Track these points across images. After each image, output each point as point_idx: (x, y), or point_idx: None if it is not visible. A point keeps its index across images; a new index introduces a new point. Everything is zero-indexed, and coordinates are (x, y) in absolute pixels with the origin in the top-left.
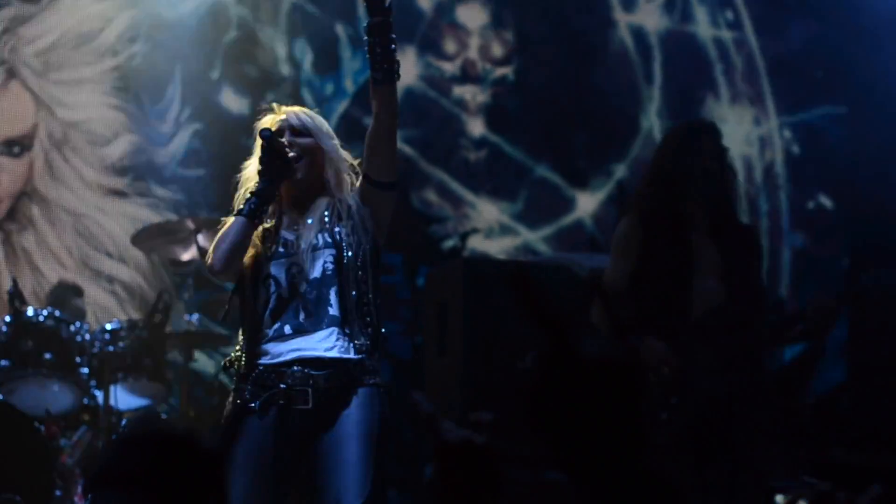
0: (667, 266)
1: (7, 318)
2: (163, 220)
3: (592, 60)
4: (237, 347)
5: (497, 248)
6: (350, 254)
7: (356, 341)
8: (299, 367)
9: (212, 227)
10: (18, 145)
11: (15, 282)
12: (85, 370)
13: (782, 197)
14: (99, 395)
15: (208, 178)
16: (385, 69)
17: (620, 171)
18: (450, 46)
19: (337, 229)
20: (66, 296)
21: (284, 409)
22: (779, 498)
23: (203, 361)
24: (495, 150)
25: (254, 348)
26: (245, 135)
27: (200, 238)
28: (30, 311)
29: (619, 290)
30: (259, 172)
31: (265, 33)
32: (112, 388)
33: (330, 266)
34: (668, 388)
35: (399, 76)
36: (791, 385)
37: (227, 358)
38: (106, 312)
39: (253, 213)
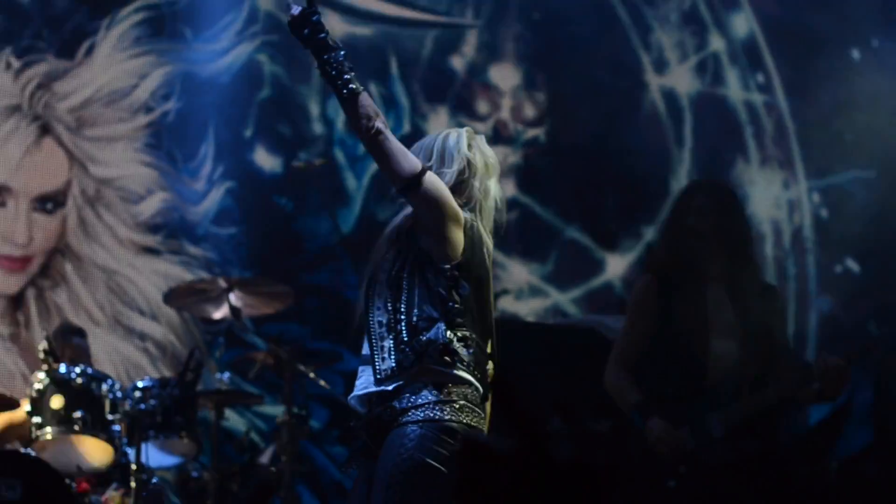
0: (681, 327)
1: (40, 375)
2: (195, 279)
3: (624, 122)
4: None
5: (527, 309)
6: (383, 276)
7: (379, 368)
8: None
9: (244, 286)
10: (52, 202)
11: (48, 338)
12: (116, 427)
13: (810, 261)
14: (130, 452)
15: (241, 236)
16: (334, 90)
17: (650, 233)
18: (482, 107)
19: (369, 275)
20: (66, 337)
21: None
22: None
23: (234, 420)
24: (526, 211)
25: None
26: (277, 193)
27: (232, 297)
28: (62, 369)
29: (631, 352)
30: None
31: (298, 91)
32: (143, 445)
33: (364, 301)
34: (677, 457)
35: (348, 93)
36: (816, 448)
37: None
38: (138, 370)
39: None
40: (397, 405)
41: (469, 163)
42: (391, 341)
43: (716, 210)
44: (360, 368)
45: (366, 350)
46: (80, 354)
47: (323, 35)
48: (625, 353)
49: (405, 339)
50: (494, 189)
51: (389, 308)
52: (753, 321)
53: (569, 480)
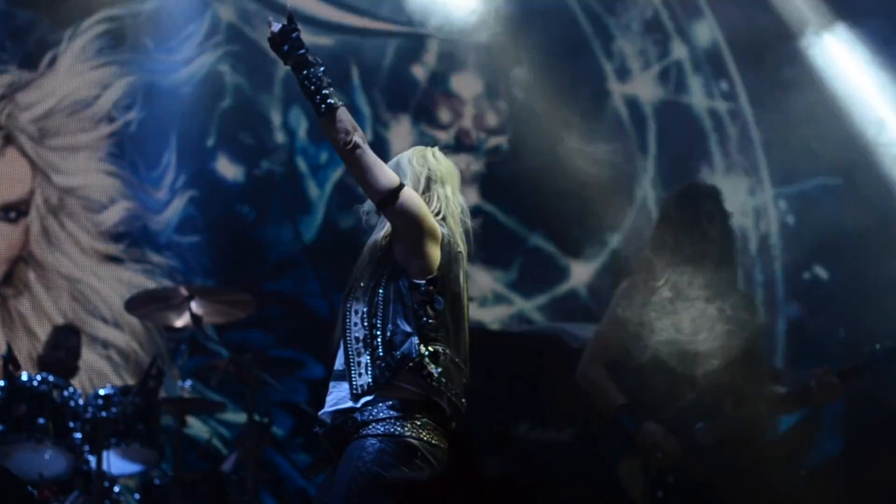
0: (664, 333)
1: (1, 383)
2: (157, 287)
3: (586, 130)
4: None
5: (491, 316)
6: (359, 292)
7: (356, 384)
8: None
9: (205, 294)
10: (14, 210)
11: (9, 346)
12: (78, 435)
13: (777, 268)
14: (92, 460)
15: (203, 244)
16: (313, 105)
17: (615, 240)
18: (444, 115)
19: (347, 291)
20: (68, 337)
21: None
22: None
23: (197, 427)
24: (489, 219)
25: None
26: (239, 201)
27: (194, 305)
28: (24, 376)
29: (609, 351)
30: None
31: (260, 101)
32: (105, 453)
33: (341, 316)
34: (664, 467)
35: (326, 108)
36: (786, 455)
37: None
38: (100, 377)
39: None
40: (359, 417)
41: (430, 172)
42: (367, 357)
43: (721, 216)
44: (332, 384)
45: (339, 365)
46: (74, 354)
47: (303, 51)
48: (602, 350)
49: (381, 354)
50: (456, 198)
51: (366, 324)
52: (735, 331)
53: (496, 495)
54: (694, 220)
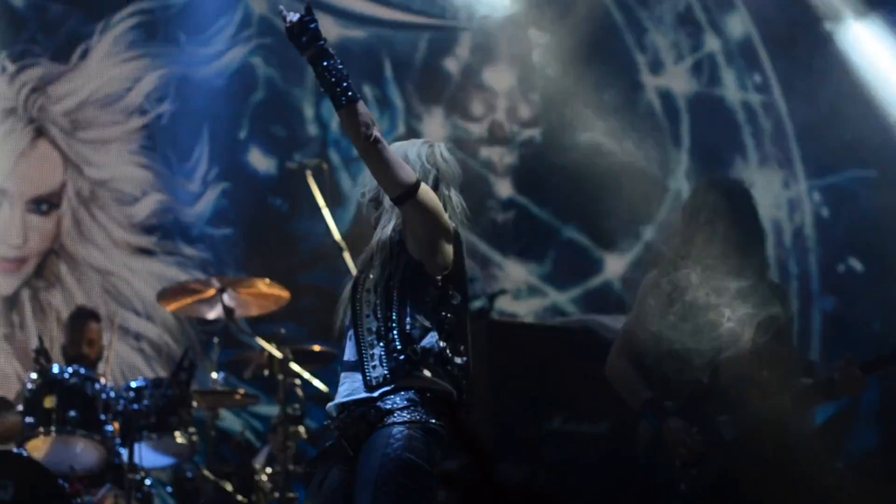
0: (691, 325)
1: (33, 376)
2: (189, 279)
3: (620, 123)
4: None
5: (525, 309)
6: (370, 284)
7: (370, 375)
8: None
9: (238, 286)
10: (46, 203)
11: (41, 339)
12: (110, 428)
13: (812, 260)
14: (123, 452)
15: (235, 237)
16: (332, 97)
17: (648, 233)
18: (477, 108)
19: (359, 283)
20: (83, 321)
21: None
22: None
23: (229, 420)
24: (523, 212)
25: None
26: (272, 194)
27: (226, 297)
28: (55, 369)
29: (637, 345)
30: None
31: (292, 94)
32: (136, 445)
33: (351, 308)
34: (687, 460)
35: (347, 100)
36: (822, 448)
37: None
38: (132, 370)
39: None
40: (382, 406)
41: (439, 172)
42: (381, 349)
43: (729, 208)
44: (343, 375)
45: (350, 356)
46: (97, 338)
47: (321, 42)
48: (631, 344)
49: (398, 346)
50: (459, 199)
51: (379, 316)
52: (764, 322)
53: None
54: (701, 213)
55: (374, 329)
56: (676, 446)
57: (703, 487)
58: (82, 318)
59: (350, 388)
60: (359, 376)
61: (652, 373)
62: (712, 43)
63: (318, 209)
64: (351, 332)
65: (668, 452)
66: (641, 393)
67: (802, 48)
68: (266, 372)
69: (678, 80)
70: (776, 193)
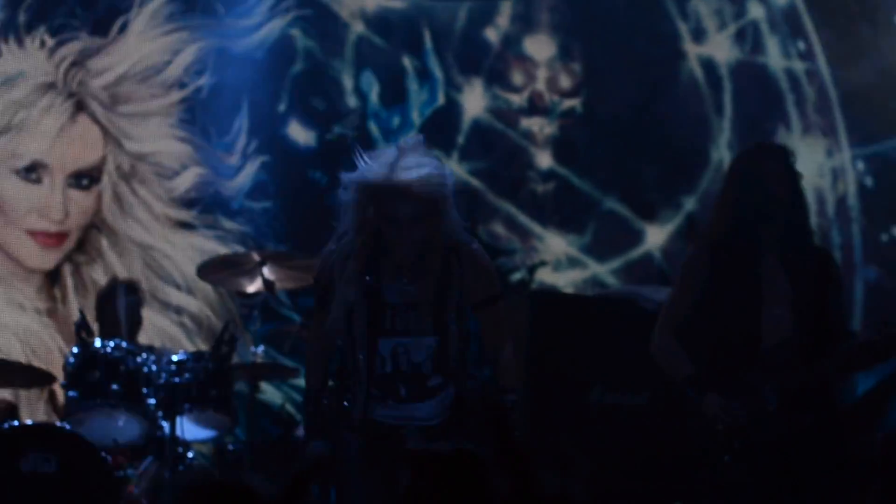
0: (734, 295)
1: (75, 350)
2: (229, 252)
3: (661, 92)
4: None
5: (565, 280)
6: (450, 339)
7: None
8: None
9: (278, 259)
10: (87, 177)
11: (82, 313)
12: (152, 401)
13: (855, 230)
14: (165, 425)
15: (275, 210)
16: None
17: (690, 203)
18: (517, 78)
19: (443, 315)
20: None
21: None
22: None
23: (270, 393)
24: (563, 183)
25: (362, 404)
26: (312, 167)
27: (266, 270)
28: (97, 343)
29: (681, 320)
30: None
31: (332, 65)
32: (178, 419)
33: (430, 353)
34: (731, 432)
35: None
36: (863, 419)
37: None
38: (174, 343)
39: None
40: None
41: None
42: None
43: (789, 175)
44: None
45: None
46: (134, 312)
47: None
48: (674, 320)
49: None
50: None
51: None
52: (807, 289)
53: None
54: (758, 181)
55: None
56: (715, 420)
57: (746, 459)
58: (113, 293)
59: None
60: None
61: (695, 347)
62: (756, 10)
63: None
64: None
65: (707, 426)
66: (683, 368)
67: (847, 15)
68: (306, 345)
69: (721, 49)
70: (819, 162)
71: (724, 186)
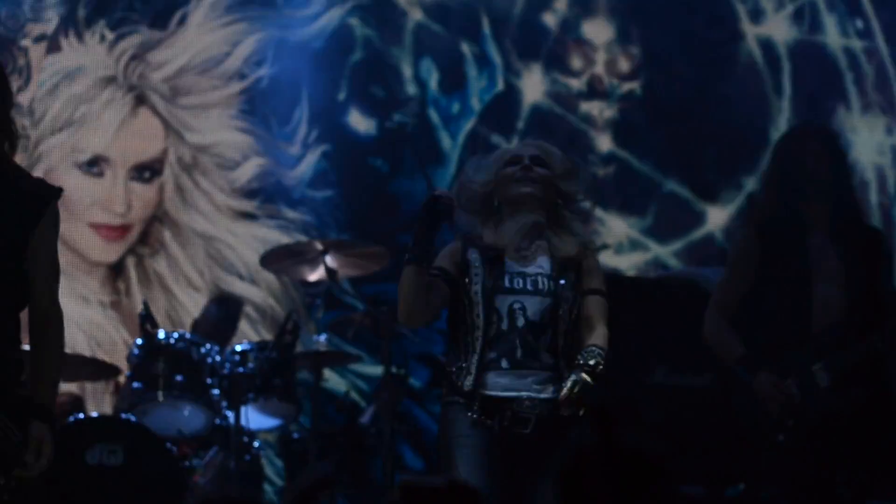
0: (785, 274)
1: (139, 341)
2: (292, 242)
3: (720, 73)
4: (460, 363)
5: (627, 263)
6: (565, 307)
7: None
8: (524, 398)
9: (340, 247)
10: (149, 170)
11: (146, 305)
12: (216, 391)
13: None
14: (230, 415)
15: (337, 198)
16: None
17: (751, 183)
18: (576, 62)
19: (562, 281)
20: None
21: (508, 429)
22: None
23: (333, 381)
24: (623, 166)
25: (473, 371)
26: (372, 155)
27: (329, 259)
28: (161, 334)
29: (732, 302)
30: (421, 221)
31: (390, 53)
32: (243, 408)
33: (547, 314)
34: (784, 411)
35: None
36: None
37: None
38: (238, 334)
39: (419, 259)
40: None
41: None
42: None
43: (830, 154)
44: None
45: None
46: (232, 322)
47: None
48: (725, 302)
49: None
50: None
51: (568, 341)
52: (858, 267)
53: (634, 467)
54: (798, 161)
55: (563, 349)
56: (767, 400)
57: (800, 437)
58: (226, 302)
59: (540, 386)
60: (548, 381)
61: (749, 326)
62: None
63: (418, 169)
64: (544, 337)
65: (760, 407)
66: (734, 350)
67: None
68: (369, 332)
69: (779, 28)
70: (879, 140)
71: (768, 168)
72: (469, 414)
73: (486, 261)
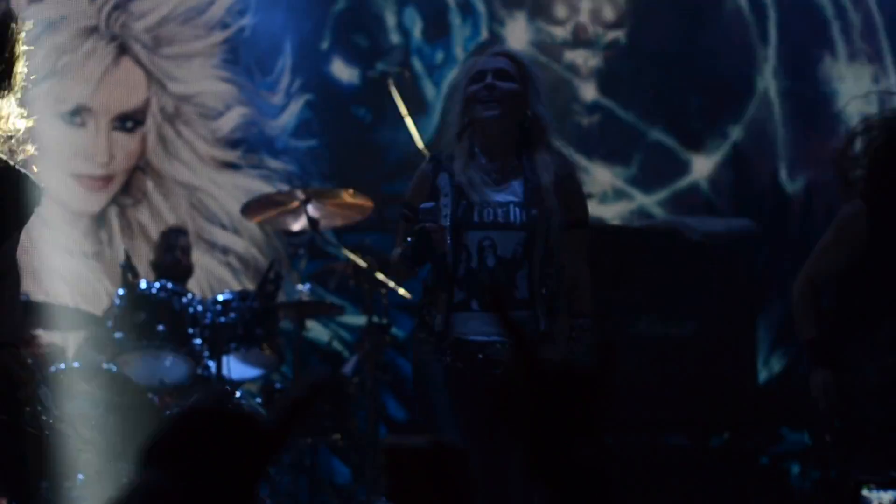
0: (887, 263)
1: (120, 292)
2: (273, 191)
3: (706, 21)
4: (431, 301)
5: (612, 212)
6: (540, 241)
7: (538, 326)
8: (496, 342)
9: (322, 196)
10: (131, 120)
11: (128, 255)
12: (198, 341)
13: None
14: (212, 365)
15: (320, 148)
16: None
17: (736, 132)
18: (560, 11)
19: (534, 211)
20: (177, 237)
21: (480, 370)
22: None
23: (316, 330)
24: (608, 115)
25: (444, 313)
26: (355, 104)
27: (311, 208)
28: (143, 284)
29: (826, 273)
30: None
31: (374, 2)
32: (225, 358)
33: (520, 249)
34: (831, 413)
35: None
36: None
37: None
38: (220, 283)
39: (413, 265)
40: None
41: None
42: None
43: None
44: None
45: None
46: (187, 254)
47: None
48: (820, 271)
49: None
50: None
51: (548, 272)
52: None
53: (559, 383)
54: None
55: (540, 284)
56: (817, 399)
57: (848, 438)
58: (177, 233)
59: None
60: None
61: (847, 301)
62: None
63: (402, 118)
64: (517, 274)
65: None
66: (808, 329)
67: None
68: (352, 282)
69: None
70: (866, 89)
71: (872, 145)
72: (441, 358)
73: (455, 188)
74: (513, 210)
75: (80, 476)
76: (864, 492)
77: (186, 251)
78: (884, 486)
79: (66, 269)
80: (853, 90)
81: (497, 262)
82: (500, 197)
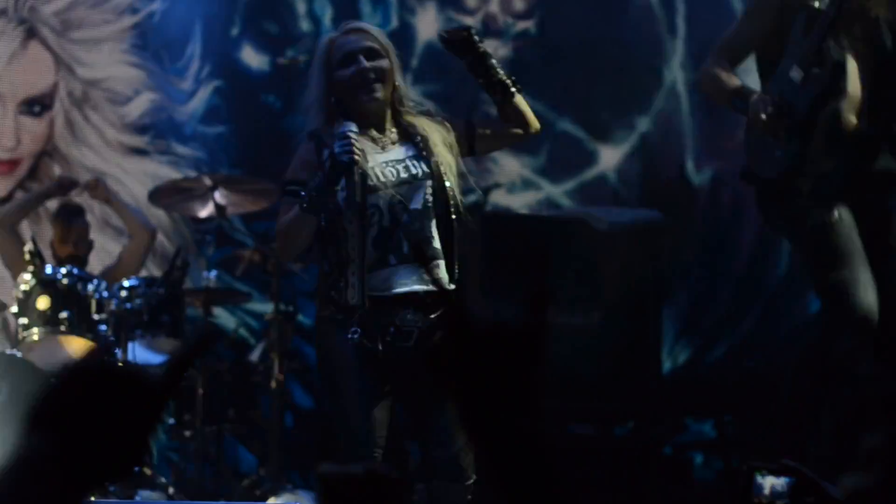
0: None
1: (26, 277)
2: (181, 177)
3: (614, 13)
4: (339, 277)
5: (520, 202)
6: (448, 184)
7: (453, 273)
8: (408, 309)
9: (230, 183)
10: (39, 104)
11: (34, 240)
12: (103, 327)
13: None
14: (117, 352)
15: (229, 134)
16: (505, 89)
17: (644, 124)
18: (471, 0)
19: (431, 160)
20: (70, 219)
21: (391, 344)
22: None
23: (223, 317)
24: None
25: (359, 278)
26: (265, 91)
27: (217, 195)
28: (48, 269)
29: (738, 50)
30: (326, 175)
31: None
32: (130, 344)
33: (430, 198)
34: (777, 128)
35: (513, 94)
36: None
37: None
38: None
39: (315, 210)
40: None
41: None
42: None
43: None
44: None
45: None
46: (84, 235)
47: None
48: (731, 48)
49: None
50: None
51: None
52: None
53: (491, 342)
54: None
55: (453, 232)
56: (760, 123)
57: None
58: (69, 215)
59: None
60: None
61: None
62: None
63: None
64: (429, 224)
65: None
66: (729, 83)
67: None
68: (259, 269)
69: None
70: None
71: None
72: (349, 336)
73: None
74: (411, 163)
75: None
76: (758, 478)
77: (83, 236)
78: (776, 473)
79: None
80: (755, 83)
81: (409, 216)
82: (394, 155)
